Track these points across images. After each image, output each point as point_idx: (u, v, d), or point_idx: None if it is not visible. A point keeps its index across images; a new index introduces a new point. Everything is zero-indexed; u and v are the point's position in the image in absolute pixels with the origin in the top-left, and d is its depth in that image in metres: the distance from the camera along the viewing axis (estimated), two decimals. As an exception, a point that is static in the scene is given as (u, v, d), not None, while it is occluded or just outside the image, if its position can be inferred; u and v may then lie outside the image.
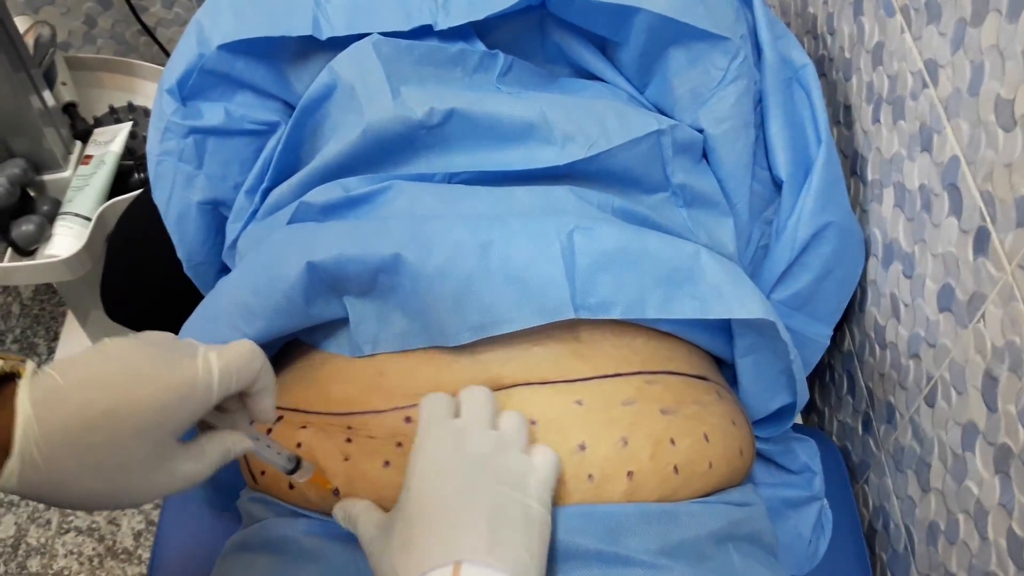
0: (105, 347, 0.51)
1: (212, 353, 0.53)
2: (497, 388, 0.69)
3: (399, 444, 0.67)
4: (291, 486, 0.69)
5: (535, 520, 0.57)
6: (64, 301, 1.70)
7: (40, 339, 1.71)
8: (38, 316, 1.75)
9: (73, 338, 1.61)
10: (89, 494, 0.50)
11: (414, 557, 0.55)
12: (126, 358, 0.51)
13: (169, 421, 0.50)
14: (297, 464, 0.62)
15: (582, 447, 0.65)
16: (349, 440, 0.68)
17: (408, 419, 0.67)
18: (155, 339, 0.53)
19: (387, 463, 0.66)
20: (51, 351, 1.68)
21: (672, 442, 0.67)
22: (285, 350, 0.78)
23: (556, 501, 0.64)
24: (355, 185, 0.77)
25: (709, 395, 0.72)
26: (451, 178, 0.79)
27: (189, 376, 0.51)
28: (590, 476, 0.65)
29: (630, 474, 0.66)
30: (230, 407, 0.57)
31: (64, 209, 1.31)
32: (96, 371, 0.50)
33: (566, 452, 0.65)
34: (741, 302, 0.70)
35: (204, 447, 0.54)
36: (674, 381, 0.71)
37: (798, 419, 1.08)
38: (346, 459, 0.67)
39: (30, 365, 0.50)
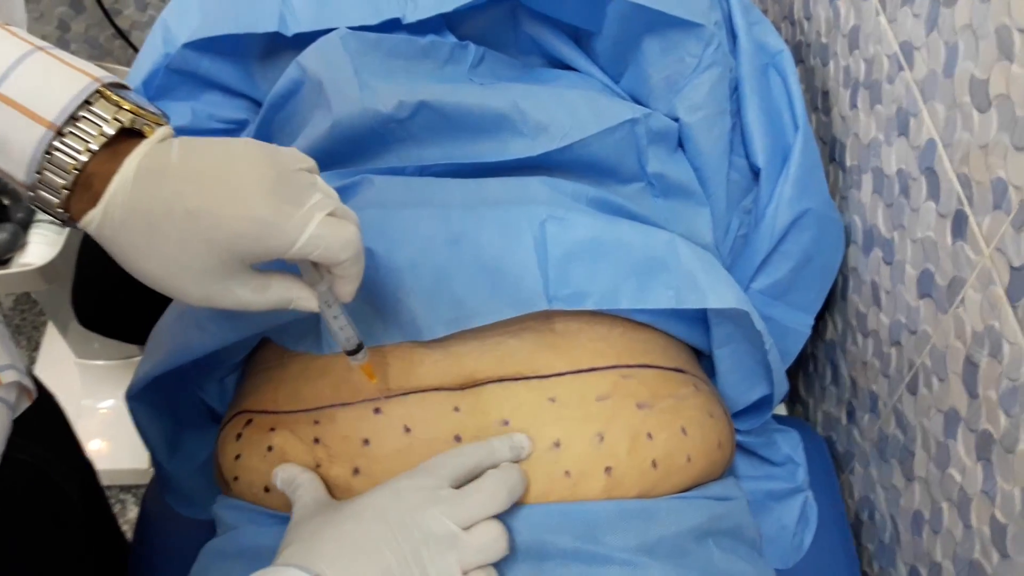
0: (232, 145, 0.53)
1: (317, 215, 0.52)
2: (471, 385, 0.68)
3: (366, 441, 0.65)
4: (267, 489, 0.68)
5: None
6: (44, 311, 1.68)
7: (22, 349, 1.70)
8: (19, 327, 1.74)
9: (54, 348, 1.60)
10: (146, 271, 0.52)
11: (311, 552, 0.55)
12: (241, 167, 0.52)
13: (241, 249, 0.51)
14: (358, 348, 0.62)
15: (557, 444, 0.64)
16: (317, 440, 0.66)
17: (377, 410, 0.66)
18: (284, 161, 0.53)
19: (356, 471, 0.65)
20: (32, 361, 1.66)
21: (649, 436, 0.66)
22: (256, 352, 0.77)
23: (534, 499, 0.64)
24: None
25: (686, 388, 0.71)
26: (423, 171, 0.78)
27: (279, 221, 0.51)
28: (567, 473, 0.64)
29: (608, 470, 0.65)
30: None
31: (38, 217, 1.30)
32: (207, 165, 0.51)
33: (541, 450, 0.64)
34: (715, 292, 0.69)
35: (270, 283, 0.55)
36: (650, 375, 0.70)
37: (782, 410, 1.07)
38: (317, 465, 0.66)
39: (160, 131, 0.52)
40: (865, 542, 0.90)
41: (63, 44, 1.71)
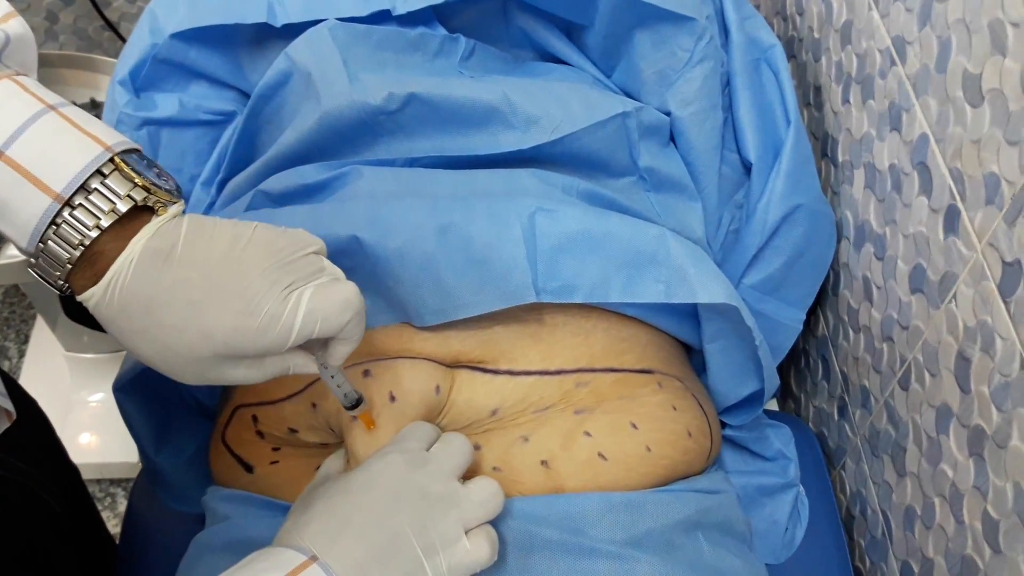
0: (241, 233, 0.51)
1: (308, 292, 0.51)
2: (454, 364, 0.68)
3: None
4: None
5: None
6: (33, 304, 1.67)
7: (11, 342, 1.69)
8: (8, 319, 1.73)
9: (43, 341, 1.59)
10: (140, 353, 0.51)
11: (306, 525, 0.54)
12: (247, 258, 0.50)
13: (238, 343, 0.50)
14: (357, 402, 0.61)
15: (477, 447, 0.66)
16: (328, 424, 0.67)
17: (367, 372, 0.66)
18: (291, 247, 0.52)
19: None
20: (21, 354, 1.65)
21: (587, 434, 0.67)
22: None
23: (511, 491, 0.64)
24: (313, 173, 0.76)
25: (646, 387, 0.71)
26: (412, 163, 0.77)
27: (277, 310, 0.50)
28: (495, 468, 0.66)
29: (544, 463, 0.66)
30: None
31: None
32: (212, 255, 0.50)
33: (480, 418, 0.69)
34: (705, 286, 0.69)
35: (264, 360, 0.53)
36: (607, 380, 0.70)
37: (774, 406, 1.07)
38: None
39: (172, 209, 0.51)
40: (857, 537, 0.90)
41: (51, 35, 1.70)
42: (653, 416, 0.69)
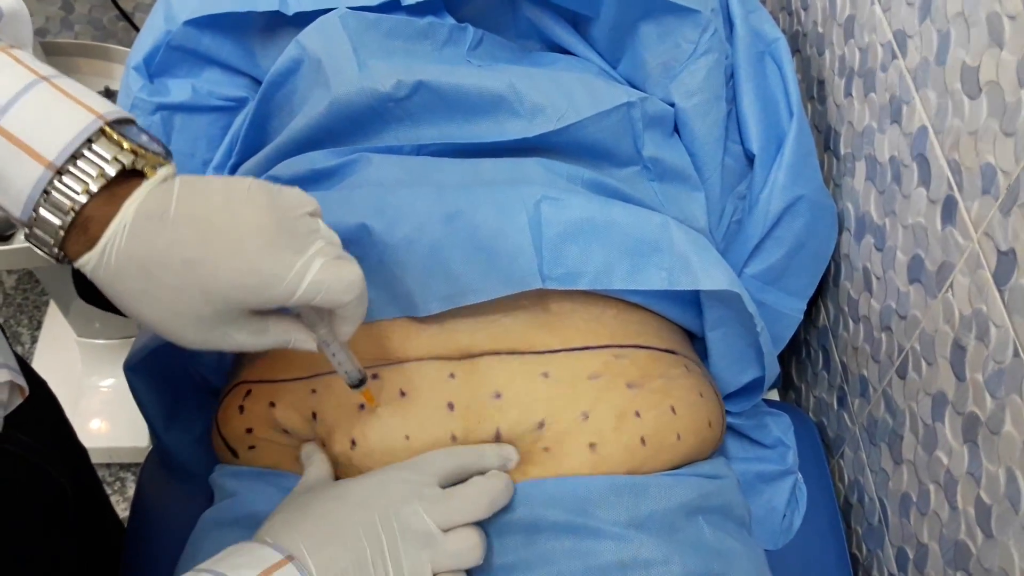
0: (235, 190, 0.51)
1: (317, 262, 0.51)
2: (464, 357, 0.69)
3: (361, 406, 0.66)
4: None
5: None
6: (46, 290, 1.69)
7: (23, 328, 1.71)
8: (21, 305, 1.75)
9: (56, 327, 1.60)
10: (141, 316, 0.51)
11: (296, 525, 0.56)
12: (242, 214, 0.50)
13: (239, 299, 0.50)
14: (360, 382, 0.62)
15: (541, 424, 0.66)
16: (315, 416, 0.67)
17: (376, 376, 0.67)
18: (286, 205, 0.52)
19: (353, 443, 0.66)
20: (34, 340, 1.67)
21: (637, 414, 0.67)
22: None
23: (519, 476, 0.65)
24: (322, 159, 0.77)
25: (676, 368, 0.72)
26: (420, 150, 0.78)
27: (280, 271, 0.50)
28: (546, 449, 0.65)
29: (592, 446, 0.66)
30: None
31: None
32: (207, 212, 0.50)
33: (527, 427, 0.66)
34: (707, 274, 0.70)
35: (267, 327, 0.54)
36: (642, 355, 0.70)
37: (774, 396, 1.08)
38: (322, 444, 0.68)
39: (161, 172, 0.50)
40: (854, 525, 0.91)
41: (67, 25, 1.72)
42: (687, 402, 0.70)
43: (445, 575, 0.57)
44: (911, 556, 0.77)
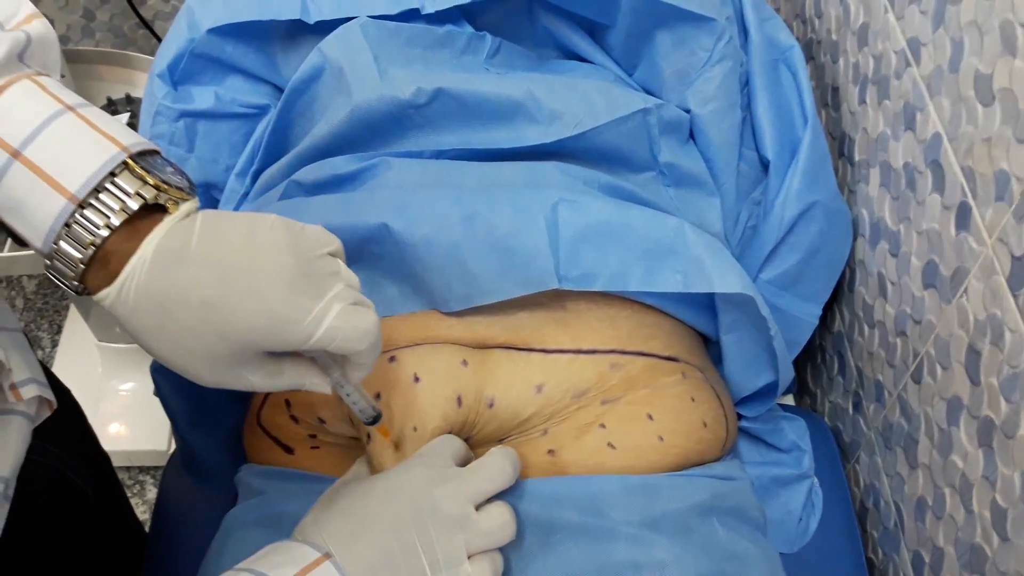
0: (256, 230, 0.51)
1: (335, 307, 0.51)
2: (479, 347, 0.70)
3: (377, 396, 0.67)
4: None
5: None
6: (66, 295, 1.71)
7: (44, 332, 1.72)
8: (41, 310, 1.76)
9: (76, 331, 1.62)
10: (157, 352, 0.51)
11: (326, 523, 0.56)
12: (262, 255, 0.50)
13: (256, 342, 0.50)
14: (375, 419, 0.62)
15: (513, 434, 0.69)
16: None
17: (393, 359, 0.68)
18: (307, 245, 0.52)
19: (368, 436, 0.67)
20: (55, 344, 1.69)
21: (602, 426, 0.69)
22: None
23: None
24: (344, 164, 0.78)
25: (671, 376, 0.73)
26: (439, 156, 0.80)
27: (297, 316, 0.50)
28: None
29: (551, 452, 0.68)
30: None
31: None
32: (227, 252, 0.50)
33: (504, 434, 0.70)
34: (722, 277, 0.71)
35: (282, 369, 0.54)
36: (639, 364, 0.72)
37: (791, 401, 1.08)
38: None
39: (184, 208, 0.50)
40: (870, 529, 0.91)
41: (88, 33, 1.74)
42: (670, 407, 0.71)
43: (480, 555, 0.57)
44: (927, 560, 0.78)
